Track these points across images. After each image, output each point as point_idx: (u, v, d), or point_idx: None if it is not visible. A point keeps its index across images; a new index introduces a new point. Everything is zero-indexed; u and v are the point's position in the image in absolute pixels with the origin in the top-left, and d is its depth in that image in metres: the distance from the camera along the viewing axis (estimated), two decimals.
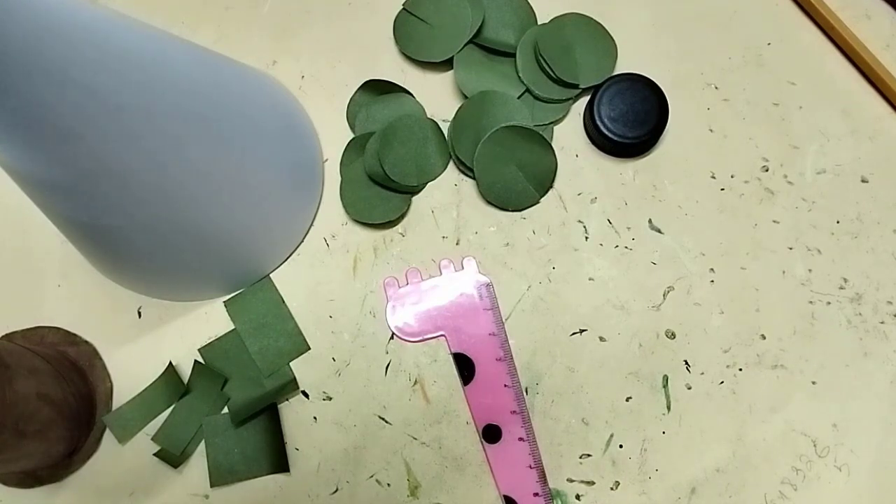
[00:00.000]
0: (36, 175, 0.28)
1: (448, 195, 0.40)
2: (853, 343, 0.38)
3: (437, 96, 0.41)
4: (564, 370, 0.37)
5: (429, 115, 0.41)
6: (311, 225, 0.40)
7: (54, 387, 0.35)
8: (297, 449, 0.37)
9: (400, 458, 0.37)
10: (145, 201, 0.30)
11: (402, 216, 0.40)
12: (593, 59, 0.40)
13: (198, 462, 0.37)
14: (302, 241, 0.40)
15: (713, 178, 0.40)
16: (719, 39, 0.42)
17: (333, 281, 0.39)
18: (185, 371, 0.38)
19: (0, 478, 0.37)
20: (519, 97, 0.40)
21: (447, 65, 0.41)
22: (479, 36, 0.41)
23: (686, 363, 0.37)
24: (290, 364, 0.38)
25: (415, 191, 0.40)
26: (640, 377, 0.37)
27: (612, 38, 0.41)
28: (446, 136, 0.40)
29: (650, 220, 0.39)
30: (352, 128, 0.41)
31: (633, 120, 0.39)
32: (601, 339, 0.38)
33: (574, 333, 0.38)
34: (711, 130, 0.41)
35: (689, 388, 0.37)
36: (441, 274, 0.39)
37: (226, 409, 0.37)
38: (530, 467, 0.36)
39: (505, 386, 0.37)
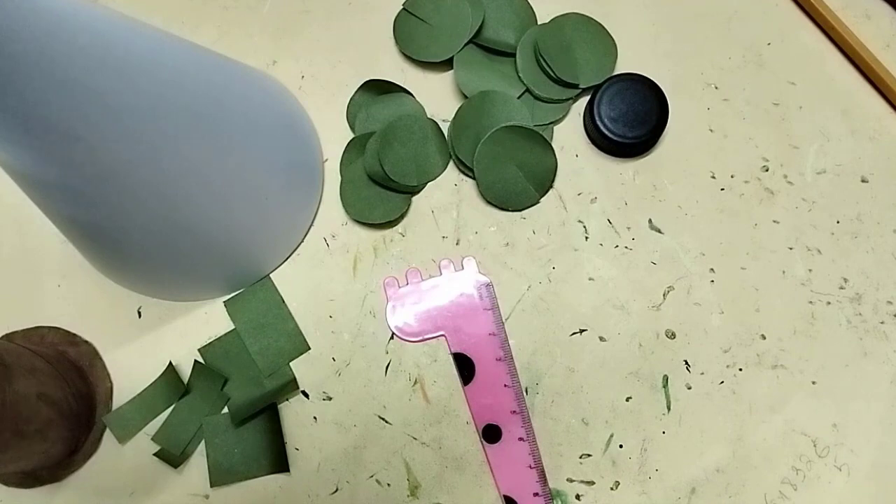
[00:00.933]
0: (36, 175, 0.28)
1: (448, 195, 0.40)
2: (853, 343, 0.38)
3: (437, 96, 0.41)
4: (564, 370, 0.37)
5: (429, 115, 0.41)
6: (311, 225, 0.40)
7: (54, 387, 0.35)
8: (297, 449, 0.37)
9: (400, 458, 0.37)
10: (145, 201, 0.30)
11: (402, 216, 0.40)
12: (593, 59, 0.40)
13: (198, 462, 0.37)
14: (302, 241, 0.40)
15: (713, 178, 0.40)
16: (719, 39, 0.42)
17: (333, 281, 0.39)
18: (185, 371, 0.38)
19: (0, 478, 0.37)
20: (519, 97, 0.40)
21: (447, 65, 0.41)
22: (479, 36, 0.41)
23: (686, 363, 0.37)
24: (290, 364, 0.38)
25: (415, 191, 0.40)
26: (640, 377, 0.37)
27: (612, 38, 0.41)
28: (446, 136, 0.40)
29: (650, 220, 0.39)
30: (352, 128, 0.41)
31: (633, 120, 0.39)
32: (601, 339, 0.38)
33: (574, 333, 0.38)
34: (711, 130, 0.41)
35: (689, 388, 0.37)
36: (441, 274, 0.39)
37: (226, 409, 0.37)
38: (530, 467, 0.36)
39: (505, 386, 0.37)
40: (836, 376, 0.37)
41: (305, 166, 0.39)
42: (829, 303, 0.38)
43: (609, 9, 0.42)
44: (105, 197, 0.29)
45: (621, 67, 0.41)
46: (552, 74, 0.40)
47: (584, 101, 0.41)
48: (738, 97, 0.41)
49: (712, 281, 0.38)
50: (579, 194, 0.40)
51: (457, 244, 0.39)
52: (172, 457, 0.36)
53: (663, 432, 0.37)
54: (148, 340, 0.39)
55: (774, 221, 0.39)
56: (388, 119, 0.40)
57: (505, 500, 0.36)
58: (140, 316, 0.39)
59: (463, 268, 0.39)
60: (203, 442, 0.37)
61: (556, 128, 0.41)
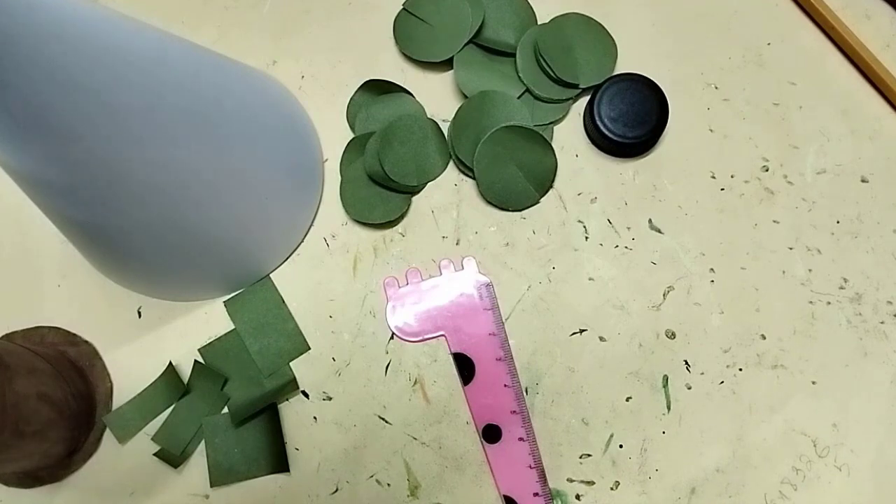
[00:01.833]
0: (36, 175, 0.28)
1: (448, 195, 0.40)
2: (853, 343, 0.38)
3: (437, 96, 0.41)
4: (564, 370, 0.37)
5: (429, 115, 0.41)
6: (311, 225, 0.40)
7: (54, 387, 0.35)
8: (297, 449, 0.37)
9: (400, 458, 0.37)
10: (145, 201, 0.30)
11: (402, 216, 0.40)
12: (593, 59, 0.40)
13: (198, 462, 0.37)
14: (302, 241, 0.40)
15: (713, 178, 0.40)
16: (719, 39, 0.42)
17: (333, 281, 0.39)
18: (185, 371, 0.38)
19: (0, 478, 0.37)
20: (519, 97, 0.40)
21: (447, 65, 0.41)
22: (479, 36, 0.41)
23: (686, 363, 0.37)
24: (290, 364, 0.38)
25: (415, 191, 0.40)
26: (640, 377, 0.37)
27: (612, 38, 0.41)
28: (446, 136, 0.40)
29: (650, 220, 0.39)
30: (352, 128, 0.41)
31: (633, 120, 0.39)
32: (601, 339, 0.38)
33: (574, 333, 0.38)
34: (711, 130, 0.41)
35: (689, 388, 0.37)
36: (441, 274, 0.39)
37: (226, 409, 0.37)
38: (530, 467, 0.36)
39: (505, 386, 0.37)
40: (836, 376, 0.37)
41: (305, 166, 0.39)
42: (829, 303, 0.38)
43: (609, 9, 0.42)
44: (105, 197, 0.29)
45: (621, 67, 0.41)
46: (552, 74, 0.40)
47: (584, 101, 0.41)
48: (738, 97, 0.41)
49: (712, 281, 0.38)
50: (579, 194, 0.40)
51: (457, 244, 0.39)
52: (172, 457, 0.36)
53: (663, 432, 0.37)
54: (148, 340, 0.39)
55: (774, 221, 0.39)
56: (388, 119, 0.40)
57: (505, 500, 0.36)
58: (140, 316, 0.39)
59: (463, 268, 0.39)
60: (203, 442, 0.37)
61: (556, 128, 0.41)
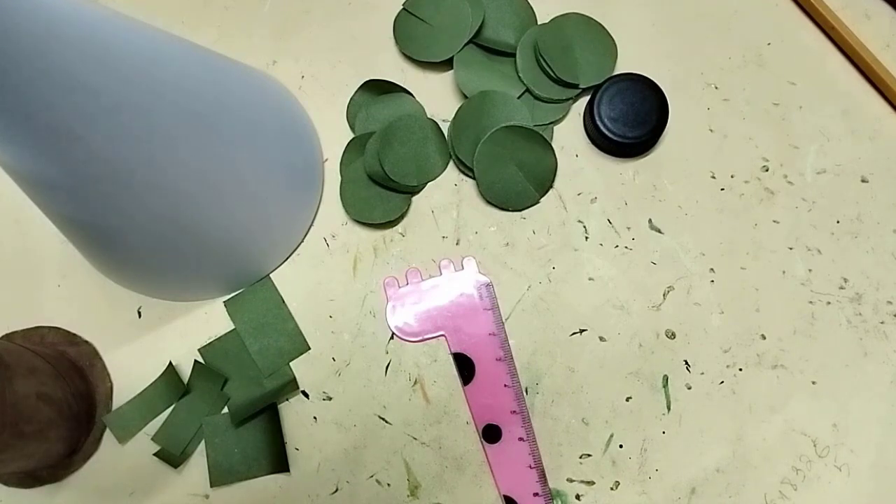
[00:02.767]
0: (36, 175, 0.28)
1: (448, 195, 0.40)
2: (853, 343, 0.38)
3: (437, 96, 0.41)
4: (564, 370, 0.37)
5: (429, 115, 0.41)
6: (311, 225, 0.40)
7: (54, 387, 0.35)
8: (297, 449, 0.37)
9: (400, 458, 0.37)
10: (145, 201, 0.30)
11: (402, 216, 0.40)
12: (593, 59, 0.40)
13: (198, 462, 0.37)
14: (302, 241, 0.40)
15: (713, 178, 0.40)
16: (719, 39, 0.42)
17: (333, 281, 0.39)
18: (185, 371, 0.38)
19: (0, 478, 0.37)
20: (519, 97, 0.40)
21: (447, 65, 0.41)
22: (479, 36, 0.41)
23: (686, 363, 0.37)
24: (290, 364, 0.38)
25: (415, 191, 0.40)
26: (640, 377, 0.37)
27: (612, 38, 0.41)
28: (446, 136, 0.40)
29: (650, 220, 0.39)
30: (352, 128, 0.41)
31: (633, 120, 0.39)
32: (601, 339, 0.38)
33: (574, 333, 0.38)
34: (711, 130, 0.41)
35: (689, 388, 0.37)
36: (441, 274, 0.39)
37: (226, 409, 0.37)
38: (530, 467, 0.36)
39: (505, 386, 0.37)
40: (836, 376, 0.37)
41: (305, 166, 0.39)
42: (829, 303, 0.38)
43: (609, 9, 0.42)
44: (104, 197, 0.29)
45: (621, 67, 0.41)
46: (552, 74, 0.40)
47: (584, 101, 0.41)
48: (738, 97, 0.41)
49: (712, 281, 0.38)
50: (579, 194, 0.40)
51: (457, 244, 0.39)
52: (172, 457, 0.36)
53: (663, 432, 0.37)
54: (148, 340, 0.39)
55: (774, 221, 0.39)
56: (388, 119, 0.40)
57: (505, 500, 0.36)
58: (140, 316, 0.39)
59: (463, 268, 0.39)
60: (203, 442, 0.37)
61: (556, 128, 0.41)
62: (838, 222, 0.39)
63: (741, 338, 0.38)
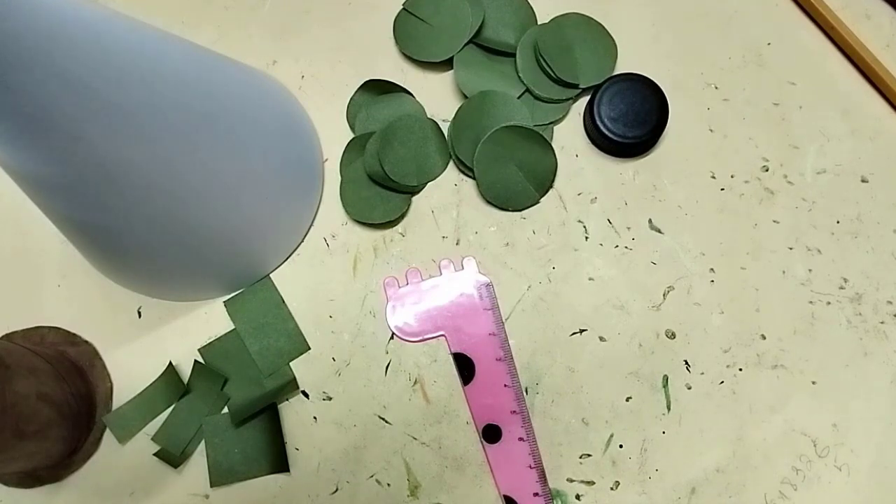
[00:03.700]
0: (36, 175, 0.28)
1: (448, 195, 0.40)
2: (853, 343, 0.38)
3: (437, 96, 0.41)
4: (564, 370, 0.37)
5: (429, 115, 0.41)
6: (311, 225, 0.40)
7: (54, 387, 0.35)
8: (297, 449, 0.37)
9: (400, 458, 0.37)
10: (145, 202, 0.30)
11: (402, 216, 0.40)
12: (593, 59, 0.40)
13: (198, 462, 0.37)
14: (302, 241, 0.40)
15: (713, 178, 0.40)
16: (719, 39, 0.42)
17: (333, 281, 0.39)
18: (185, 371, 0.38)
19: (0, 478, 0.37)
20: (519, 97, 0.40)
21: (447, 65, 0.41)
22: (479, 36, 0.41)
23: (686, 363, 0.37)
24: (290, 364, 0.38)
25: (415, 191, 0.40)
26: (640, 377, 0.37)
27: (612, 38, 0.41)
28: (446, 136, 0.40)
29: (650, 220, 0.39)
30: (352, 128, 0.41)
31: (633, 120, 0.39)
32: (601, 339, 0.38)
33: (574, 333, 0.38)
34: (711, 130, 0.41)
35: (689, 388, 0.37)
36: (441, 274, 0.39)
37: (226, 409, 0.37)
38: (530, 467, 0.36)
39: (505, 386, 0.37)
40: (836, 376, 0.37)
41: (305, 166, 0.39)
42: (829, 303, 0.38)
43: (609, 9, 0.42)
44: (104, 197, 0.29)
45: (621, 67, 0.41)
46: (552, 74, 0.40)
47: (584, 101, 0.41)
48: (738, 97, 0.41)
49: (712, 281, 0.38)
50: (579, 194, 0.40)
51: (457, 244, 0.39)
52: (172, 457, 0.36)
53: (663, 432, 0.37)
54: (148, 340, 0.39)
55: (774, 221, 0.39)
56: (388, 119, 0.40)
57: (505, 500, 0.36)
58: (140, 316, 0.39)
59: (463, 268, 0.39)
60: (203, 442, 0.37)
61: (556, 128, 0.41)
62: (838, 222, 0.39)
63: (741, 338, 0.38)
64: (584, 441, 0.37)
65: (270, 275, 0.39)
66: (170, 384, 0.37)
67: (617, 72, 0.40)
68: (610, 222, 0.39)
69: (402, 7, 0.42)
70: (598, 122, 0.39)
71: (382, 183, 0.39)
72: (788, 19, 0.42)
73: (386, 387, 0.38)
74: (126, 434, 0.37)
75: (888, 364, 0.37)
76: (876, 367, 0.37)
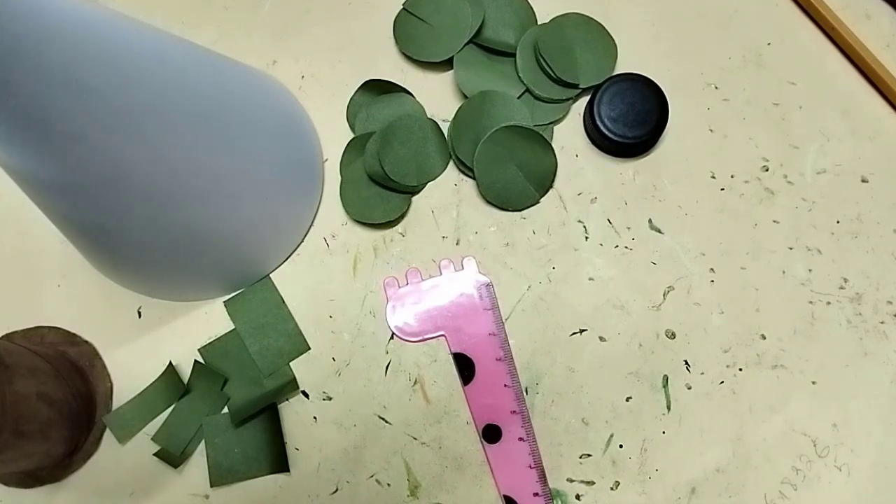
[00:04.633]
0: (36, 175, 0.28)
1: (448, 195, 0.40)
2: (853, 343, 0.38)
3: (437, 96, 0.41)
4: (564, 370, 0.37)
5: (429, 115, 0.41)
6: (311, 225, 0.40)
7: (54, 387, 0.35)
8: (297, 449, 0.37)
9: (400, 458, 0.37)
10: (144, 201, 0.30)
11: (402, 216, 0.40)
12: (593, 59, 0.40)
13: (198, 462, 0.37)
14: (302, 241, 0.40)
15: (713, 178, 0.40)
16: (719, 39, 0.42)
17: (333, 281, 0.39)
18: (185, 371, 0.38)
19: (0, 478, 0.37)
20: (519, 97, 0.40)
21: (447, 65, 0.41)
22: (479, 36, 0.41)
23: (686, 363, 0.37)
24: (290, 364, 0.38)
25: (415, 191, 0.40)
26: (640, 377, 0.37)
27: (612, 38, 0.41)
28: (446, 136, 0.40)
29: (650, 220, 0.39)
30: (352, 128, 0.41)
31: (633, 120, 0.39)
32: (601, 339, 0.38)
33: (574, 333, 0.38)
34: (711, 130, 0.41)
35: (689, 388, 0.37)
36: (441, 274, 0.39)
37: (226, 409, 0.37)
38: (530, 467, 0.36)
39: (505, 386, 0.37)
40: (836, 376, 0.37)
41: (305, 166, 0.39)
42: (829, 303, 0.38)
43: (609, 9, 0.42)
44: (104, 197, 0.29)
45: (621, 67, 0.41)
46: (552, 74, 0.40)
47: (584, 101, 0.41)
48: (738, 97, 0.41)
49: (712, 281, 0.38)
50: (579, 194, 0.40)
51: (457, 244, 0.39)
52: (172, 457, 0.36)
53: (663, 432, 0.37)
54: (148, 340, 0.39)
55: (774, 221, 0.39)
56: (388, 119, 0.40)
57: (505, 500, 0.36)
58: (140, 316, 0.39)
59: (463, 268, 0.39)
60: (203, 442, 0.37)
61: (556, 128, 0.41)
62: (838, 222, 0.39)
63: (741, 338, 0.38)
64: (584, 441, 0.37)
65: (270, 275, 0.39)
66: (170, 384, 0.37)
67: (617, 72, 0.40)
68: (610, 222, 0.39)
69: (402, 7, 0.42)
70: (598, 122, 0.39)
71: (382, 183, 0.39)
72: (788, 19, 0.42)
73: (386, 387, 0.38)
74: (126, 434, 0.37)
75: (888, 364, 0.37)
76: (876, 367, 0.37)
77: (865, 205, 0.39)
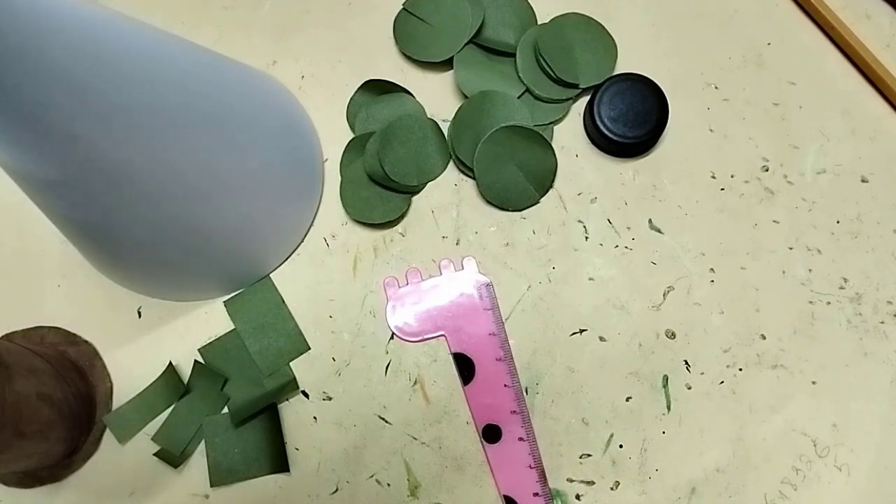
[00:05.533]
0: (36, 175, 0.28)
1: (448, 195, 0.40)
2: (853, 343, 0.38)
3: (437, 96, 0.41)
4: (564, 370, 0.37)
5: (429, 115, 0.41)
6: (311, 225, 0.40)
7: (54, 387, 0.35)
8: (297, 449, 0.37)
9: (400, 458, 0.37)
10: (144, 201, 0.30)
11: (402, 216, 0.40)
12: (593, 59, 0.40)
13: (198, 462, 0.37)
14: (302, 241, 0.40)
15: (713, 178, 0.40)
16: (719, 39, 0.42)
17: (333, 281, 0.39)
18: (185, 371, 0.38)
19: (0, 478, 0.37)
20: (519, 97, 0.40)
21: (447, 65, 0.41)
22: (479, 36, 0.41)
23: (686, 363, 0.37)
24: (290, 364, 0.38)
25: (415, 191, 0.40)
26: (640, 377, 0.37)
27: (612, 38, 0.41)
28: (446, 136, 0.40)
29: (650, 220, 0.39)
30: (352, 128, 0.41)
31: (633, 120, 0.39)
32: (601, 339, 0.38)
33: (574, 333, 0.38)
34: (711, 130, 0.41)
35: (689, 388, 0.37)
36: (441, 274, 0.39)
37: (226, 409, 0.37)
38: (530, 467, 0.36)
39: (505, 386, 0.37)
40: (836, 376, 0.37)
41: (305, 166, 0.39)
42: (829, 303, 0.38)
43: (609, 9, 0.42)
44: (104, 197, 0.29)
45: (621, 67, 0.41)
46: (552, 74, 0.40)
47: (584, 101, 0.41)
48: (738, 97, 0.41)
49: (712, 281, 0.38)
50: (579, 194, 0.40)
51: (457, 244, 0.39)
52: (172, 457, 0.36)
53: (663, 432, 0.37)
54: (148, 340, 0.39)
55: (774, 221, 0.39)
56: (388, 119, 0.40)
57: (505, 500, 0.36)
58: (140, 316, 0.39)
59: (463, 268, 0.39)
60: (203, 442, 0.37)
61: (556, 128, 0.41)
62: (838, 222, 0.39)
63: (741, 338, 0.38)
64: (584, 441, 0.37)
65: (270, 275, 0.39)
66: (170, 384, 0.37)
67: (617, 72, 0.40)
68: (610, 222, 0.39)
69: (402, 7, 0.42)
70: (598, 122, 0.39)
71: (382, 183, 0.39)
72: (788, 19, 0.42)
73: (386, 387, 0.38)
74: (126, 434, 0.37)
75: (888, 364, 0.37)
76: (876, 367, 0.37)
77: (865, 205, 0.39)
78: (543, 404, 0.37)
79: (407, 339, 0.38)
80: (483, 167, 0.39)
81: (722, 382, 0.37)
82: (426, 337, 0.38)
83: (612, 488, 0.36)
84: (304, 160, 0.39)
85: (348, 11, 0.43)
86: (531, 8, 0.42)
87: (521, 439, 0.36)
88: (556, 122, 0.41)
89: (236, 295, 0.39)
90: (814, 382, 0.37)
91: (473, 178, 0.40)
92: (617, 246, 0.39)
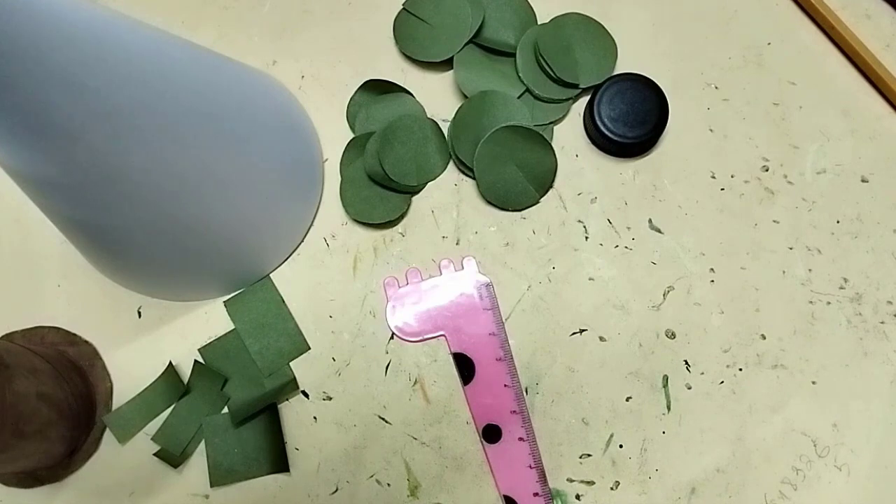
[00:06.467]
0: (36, 175, 0.28)
1: (448, 195, 0.40)
2: (853, 343, 0.38)
3: (437, 96, 0.41)
4: (564, 370, 0.37)
5: (429, 115, 0.41)
6: (311, 225, 0.40)
7: (54, 387, 0.35)
8: (297, 449, 0.37)
9: (400, 458, 0.37)
10: (144, 201, 0.30)
11: (402, 216, 0.40)
12: (593, 59, 0.40)
13: (198, 462, 0.37)
14: (302, 241, 0.40)
15: (713, 178, 0.40)
16: (719, 39, 0.42)
17: (333, 281, 0.39)
18: (185, 371, 0.38)
19: (0, 478, 0.37)
20: (519, 97, 0.40)
21: (447, 65, 0.41)
22: (479, 36, 0.41)
23: (686, 363, 0.37)
24: (290, 364, 0.38)
25: (415, 191, 0.40)
26: (640, 377, 0.37)
27: (612, 38, 0.41)
28: (446, 136, 0.40)
29: (650, 220, 0.39)
30: (352, 128, 0.41)
31: (633, 120, 0.39)
32: (601, 339, 0.38)
33: (574, 333, 0.38)
34: (711, 130, 0.41)
35: (689, 388, 0.37)
36: (441, 274, 0.39)
37: (226, 409, 0.37)
38: (530, 467, 0.36)
39: (505, 386, 0.37)
40: (836, 376, 0.37)
41: (305, 166, 0.39)
42: (829, 303, 0.38)
43: (609, 9, 0.42)
44: (104, 197, 0.29)
45: (621, 67, 0.41)
46: (552, 74, 0.40)
47: (584, 101, 0.41)
48: (738, 97, 0.41)
49: (712, 281, 0.38)
50: (579, 194, 0.40)
51: (457, 244, 0.39)
52: (172, 457, 0.36)
53: (663, 432, 0.37)
54: (148, 340, 0.39)
55: (774, 221, 0.39)
56: (388, 119, 0.40)
57: (505, 500, 0.36)
58: (140, 316, 0.39)
59: (463, 268, 0.39)
60: (203, 442, 0.37)
61: (556, 128, 0.41)
62: (838, 222, 0.39)
63: (741, 338, 0.38)
64: (584, 441, 0.37)
65: (270, 275, 0.39)
66: (170, 384, 0.37)
67: (617, 72, 0.40)
68: (610, 222, 0.39)
69: (402, 7, 0.42)
70: (598, 122, 0.39)
71: (382, 183, 0.39)
72: (788, 19, 0.42)
73: (386, 387, 0.38)
74: (126, 434, 0.37)
75: (888, 364, 0.37)
76: (876, 367, 0.37)
77: (865, 205, 0.39)
78: (543, 404, 0.37)
79: (407, 339, 0.38)
80: (483, 167, 0.39)
81: (722, 382, 0.37)
82: (426, 337, 0.38)
83: (612, 488, 0.36)
84: (303, 160, 0.39)
85: (348, 11, 0.43)
86: (531, 8, 0.42)
87: (521, 439, 0.36)
88: (556, 122, 0.41)
89: (236, 295, 0.39)
90: (814, 382, 0.37)
91: (473, 178, 0.40)
92: (617, 246, 0.39)
